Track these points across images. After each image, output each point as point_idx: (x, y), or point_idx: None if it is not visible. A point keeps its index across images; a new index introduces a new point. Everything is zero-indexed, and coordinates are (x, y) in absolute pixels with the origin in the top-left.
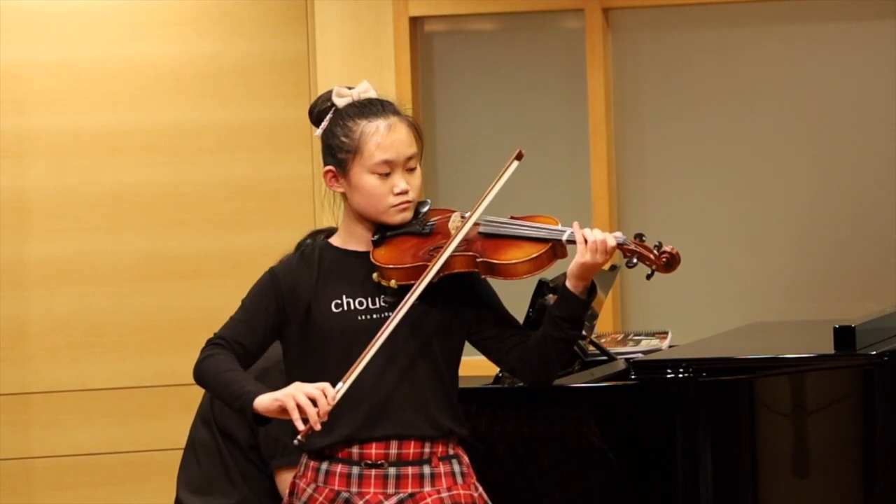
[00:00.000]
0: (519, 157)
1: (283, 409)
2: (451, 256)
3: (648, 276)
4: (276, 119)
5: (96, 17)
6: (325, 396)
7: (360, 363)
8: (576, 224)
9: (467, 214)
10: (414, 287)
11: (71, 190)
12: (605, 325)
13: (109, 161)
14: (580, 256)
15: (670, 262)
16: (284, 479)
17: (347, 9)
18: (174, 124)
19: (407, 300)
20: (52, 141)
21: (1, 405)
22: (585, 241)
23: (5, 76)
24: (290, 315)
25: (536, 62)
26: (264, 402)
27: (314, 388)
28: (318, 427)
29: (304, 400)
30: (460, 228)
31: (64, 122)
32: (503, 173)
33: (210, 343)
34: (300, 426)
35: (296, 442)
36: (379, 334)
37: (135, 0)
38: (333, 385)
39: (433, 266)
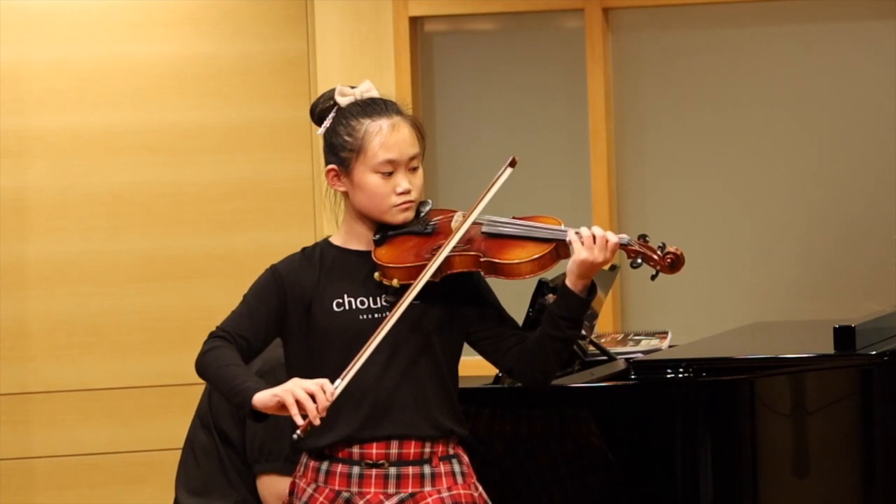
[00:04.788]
0: (512, 164)
1: (282, 406)
2: (454, 256)
3: (653, 277)
4: (276, 119)
5: (96, 17)
6: (324, 392)
7: (358, 360)
8: (582, 228)
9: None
10: (412, 286)
11: (71, 190)
12: (605, 325)
13: (109, 161)
14: (580, 253)
15: (674, 263)
16: (266, 484)
17: (347, 9)
18: (174, 124)
19: (405, 299)
20: (52, 141)
21: (1, 405)
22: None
23: (5, 76)
24: (291, 312)
25: (536, 62)
26: (263, 398)
27: (313, 384)
28: (316, 422)
29: (303, 395)
30: (458, 230)
31: (64, 122)
32: (496, 180)
33: (213, 336)
34: (299, 421)
35: (294, 437)
36: (377, 332)
37: (135, 0)
38: (332, 382)
39: (432, 264)
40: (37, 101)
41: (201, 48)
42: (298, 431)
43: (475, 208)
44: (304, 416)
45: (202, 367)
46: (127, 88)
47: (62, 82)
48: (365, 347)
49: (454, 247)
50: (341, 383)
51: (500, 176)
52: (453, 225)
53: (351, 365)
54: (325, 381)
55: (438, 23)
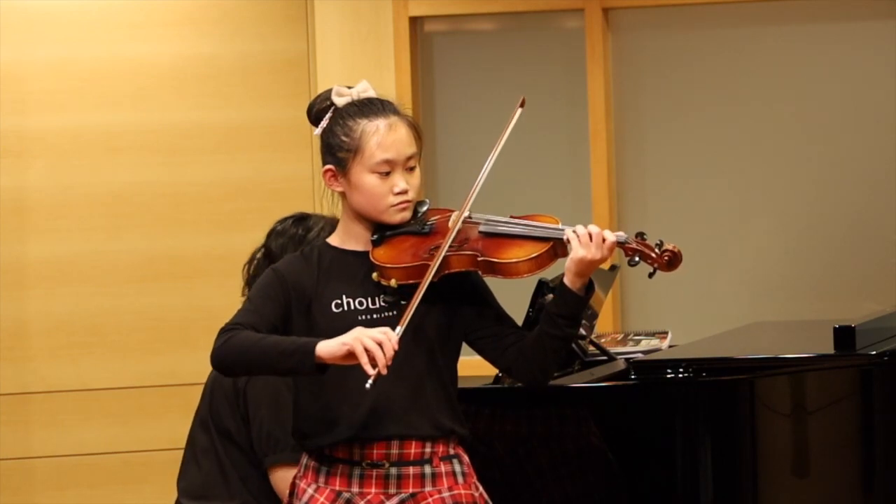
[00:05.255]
0: (522, 104)
1: (351, 354)
2: (451, 256)
3: (650, 275)
4: (276, 119)
5: (96, 17)
6: (390, 340)
7: (410, 309)
8: (578, 226)
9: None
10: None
11: (71, 190)
12: (605, 325)
13: (109, 161)
14: (577, 250)
15: (672, 261)
16: (278, 476)
17: (347, 9)
18: (174, 124)
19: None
20: (52, 141)
21: (1, 405)
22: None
23: (5, 76)
24: (294, 312)
25: (536, 62)
26: (330, 347)
27: (377, 332)
28: (384, 371)
29: (372, 344)
30: (470, 194)
31: (64, 122)
32: (510, 123)
33: (224, 330)
34: (370, 371)
35: (367, 386)
36: (417, 294)
37: (135, 0)
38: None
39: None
40: (37, 101)
41: (201, 48)
42: (371, 380)
43: (493, 153)
44: (374, 366)
45: (228, 353)
46: (127, 88)
47: (62, 82)
48: (413, 301)
49: (451, 245)
50: (400, 329)
51: (513, 118)
52: (450, 224)
53: (406, 314)
54: (387, 329)
55: (438, 23)
